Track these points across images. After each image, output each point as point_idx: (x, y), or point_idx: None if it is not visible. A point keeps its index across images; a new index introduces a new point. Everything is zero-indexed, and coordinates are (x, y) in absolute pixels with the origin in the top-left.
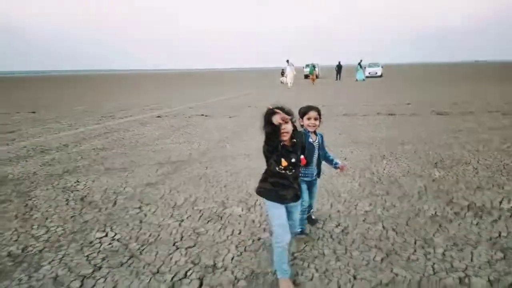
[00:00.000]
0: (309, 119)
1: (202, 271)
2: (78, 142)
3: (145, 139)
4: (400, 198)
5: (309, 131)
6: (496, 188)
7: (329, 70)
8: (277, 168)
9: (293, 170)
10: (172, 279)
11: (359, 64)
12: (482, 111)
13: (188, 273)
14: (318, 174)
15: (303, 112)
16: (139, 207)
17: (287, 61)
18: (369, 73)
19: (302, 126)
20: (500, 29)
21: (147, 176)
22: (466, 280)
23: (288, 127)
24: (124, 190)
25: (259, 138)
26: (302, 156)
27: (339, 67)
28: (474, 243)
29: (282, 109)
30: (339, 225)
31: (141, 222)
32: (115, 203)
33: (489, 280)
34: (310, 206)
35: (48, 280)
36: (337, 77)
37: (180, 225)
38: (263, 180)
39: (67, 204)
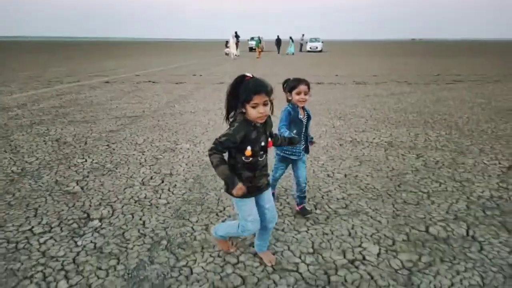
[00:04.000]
0: (299, 93)
1: (162, 176)
2: (35, 102)
3: (98, 100)
4: None
5: (298, 106)
6: (374, 131)
7: (272, 44)
8: (243, 158)
9: (264, 156)
10: (142, 180)
11: (291, 38)
12: (392, 81)
13: (153, 177)
14: (307, 150)
15: (292, 86)
16: (107, 145)
17: (236, 32)
18: (310, 47)
19: (289, 100)
20: (436, 9)
21: (108, 126)
22: (331, 175)
23: (267, 110)
24: (91, 135)
25: (205, 101)
26: (269, 139)
27: (278, 41)
28: (344, 158)
29: (261, 84)
30: None
31: (111, 153)
32: (86, 143)
33: (345, 175)
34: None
35: (51, 183)
36: (278, 51)
37: (143, 154)
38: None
39: (45, 143)
